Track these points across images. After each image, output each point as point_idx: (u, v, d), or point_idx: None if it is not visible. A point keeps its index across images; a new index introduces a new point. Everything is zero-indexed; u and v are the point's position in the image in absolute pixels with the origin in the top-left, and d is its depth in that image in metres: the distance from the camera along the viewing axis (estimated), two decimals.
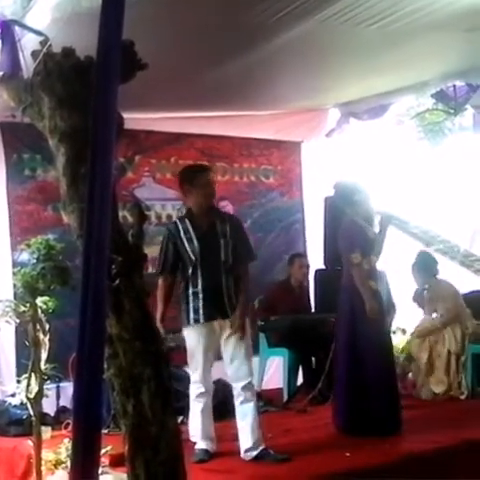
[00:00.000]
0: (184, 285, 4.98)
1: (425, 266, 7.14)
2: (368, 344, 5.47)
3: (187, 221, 5.00)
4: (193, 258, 4.89)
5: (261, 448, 4.86)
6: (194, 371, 4.95)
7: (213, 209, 5.15)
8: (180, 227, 4.98)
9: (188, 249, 4.90)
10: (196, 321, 4.91)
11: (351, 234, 5.61)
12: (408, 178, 12.92)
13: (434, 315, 7.05)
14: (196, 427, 4.95)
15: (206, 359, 4.93)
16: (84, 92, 3.24)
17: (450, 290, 7.08)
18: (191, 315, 4.92)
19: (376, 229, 5.83)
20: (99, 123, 2.65)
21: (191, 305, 4.91)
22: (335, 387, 5.80)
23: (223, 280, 4.94)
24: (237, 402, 4.95)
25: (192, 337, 4.95)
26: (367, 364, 5.46)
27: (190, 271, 4.92)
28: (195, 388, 4.95)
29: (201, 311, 4.90)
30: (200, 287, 4.90)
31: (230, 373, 4.99)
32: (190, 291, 4.93)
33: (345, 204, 5.78)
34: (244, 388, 4.93)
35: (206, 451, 4.90)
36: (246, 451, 4.87)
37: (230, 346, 4.93)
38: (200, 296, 4.90)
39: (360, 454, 4.86)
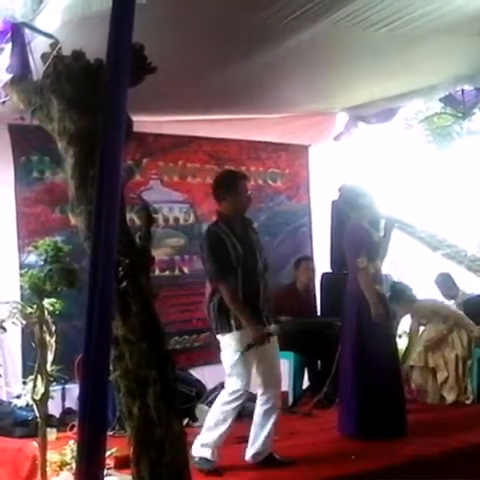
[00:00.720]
0: None
1: (401, 296, 7.07)
2: (374, 348, 5.46)
3: (225, 227, 4.93)
4: (235, 264, 4.82)
5: (268, 452, 4.86)
6: (236, 381, 4.78)
7: (244, 216, 5.15)
8: (221, 232, 4.90)
9: (232, 255, 4.83)
10: (238, 328, 4.78)
11: (357, 238, 5.60)
12: (416, 182, 12.91)
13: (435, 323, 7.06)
14: (214, 437, 4.79)
15: (249, 367, 4.83)
16: (93, 95, 3.25)
17: (437, 303, 7.10)
18: (232, 322, 4.80)
19: (381, 233, 5.83)
20: (108, 126, 2.66)
21: (232, 311, 4.80)
22: (341, 391, 5.78)
23: (260, 288, 4.95)
24: (263, 407, 4.88)
25: (234, 344, 4.80)
26: (373, 368, 5.46)
27: (232, 276, 4.83)
28: (233, 398, 4.79)
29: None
30: (241, 293, 4.82)
31: (262, 379, 4.90)
32: None
33: (350, 207, 5.78)
34: (275, 396, 4.91)
35: (213, 461, 4.78)
36: (254, 455, 4.85)
37: (266, 353, 4.88)
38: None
39: (365, 457, 4.87)
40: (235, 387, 4.79)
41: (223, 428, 4.78)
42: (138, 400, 3.12)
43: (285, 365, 7.09)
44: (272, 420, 4.90)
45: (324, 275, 7.55)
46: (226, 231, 4.89)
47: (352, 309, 5.59)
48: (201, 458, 4.71)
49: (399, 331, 7.26)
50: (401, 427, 5.45)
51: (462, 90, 7.10)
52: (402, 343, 7.21)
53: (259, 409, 4.91)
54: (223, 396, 4.85)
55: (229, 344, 4.82)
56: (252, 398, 5.19)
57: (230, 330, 4.81)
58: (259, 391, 4.92)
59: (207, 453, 4.74)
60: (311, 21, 4.70)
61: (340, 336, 5.92)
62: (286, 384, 6.97)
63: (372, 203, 5.74)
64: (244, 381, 4.79)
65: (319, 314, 7.52)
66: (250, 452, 4.89)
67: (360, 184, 6.18)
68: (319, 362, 7.07)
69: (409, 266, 7.72)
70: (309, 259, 7.68)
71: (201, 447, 4.73)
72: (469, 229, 11.86)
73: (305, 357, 6.96)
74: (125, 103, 2.70)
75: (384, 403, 5.44)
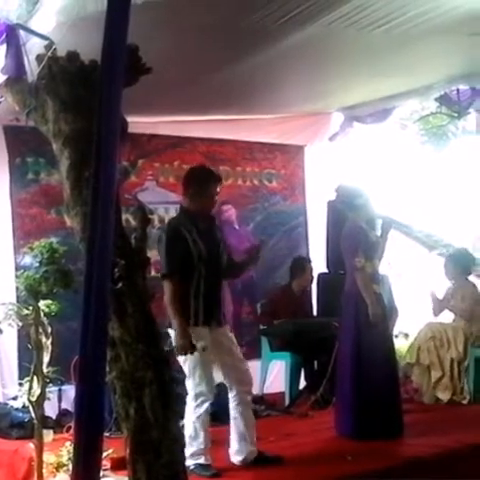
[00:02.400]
0: (183, 286, 4.74)
1: (460, 261, 7.13)
2: (372, 348, 5.47)
3: (188, 222, 4.84)
4: (197, 260, 4.75)
5: (256, 452, 4.83)
6: (200, 384, 4.69)
7: (209, 213, 5.09)
8: (183, 228, 4.80)
9: (193, 251, 4.75)
10: (195, 324, 4.72)
11: (354, 238, 5.60)
12: (411, 182, 12.92)
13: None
14: (200, 445, 4.69)
15: (210, 367, 4.75)
16: (88, 96, 3.26)
17: (472, 291, 7.08)
18: (191, 317, 4.72)
19: (378, 233, 5.83)
20: (103, 127, 2.66)
21: (192, 306, 4.73)
22: (339, 391, 5.77)
23: (221, 285, 4.92)
24: (237, 409, 4.82)
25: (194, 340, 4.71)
26: (371, 368, 5.46)
27: (191, 273, 4.75)
28: (200, 402, 4.70)
29: (200, 315, 4.74)
30: (202, 291, 4.76)
31: (233, 378, 4.83)
32: (191, 293, 4.74)
33: (347, 208, 5.78)
34: (246, 393, 4.86)
35: (210, 465, 4.71)
36: (243, 458, 4.80)
37: (231, 351, 4.85)
38: (200, 300, 4.76)
39: (362, 458, 4.85)
40: (198, 390, 4.69)
41: (203, 433, 4.69)
42: (134, 401, 3.12)
43: (281, 366, 7.12)
44: (251, 417, 4.88)
45: (320, 275, 7.55)
46: (188, 226, 4.80)
47: (350, 309, 5.58)
48: (196, 465, 4.63)
49: (395, 331, 7.28)
50: (397, 427, 5.45)
51: (457, 90, 7.11)
52: (399, 343, 7.22)
53: (234, 411, 4.83)
54: (190, 403, 4.72)
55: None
56: (254, 399, 5.19)
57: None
58: (230, 393, 4.84)
59: (200, 459, 4.67)
60: (306, 22, 4.69)
61: (337, 336, 5.92)
62: (282, 385, 7.00)
63: (369, 203, 5.74)
64: (208, 384, 4.70)
65: (315, 314, 7.52)
66: (239, 454, 4.82)
67: (357, 184, 6.19)
68: (315, 362, 7.07)
69: (405, 266, 7.73)
70: (310, 261, 7.63)
71: (192, 456, 4.60)
72: (465, 228, 11.89)
73: (301, 357, 6.96)
74: (120, 104, 2.70)
75: (381, 403, 5.45)
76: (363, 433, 5.32)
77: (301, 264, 7.44)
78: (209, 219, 5.02)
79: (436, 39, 5.22)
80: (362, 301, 5.46)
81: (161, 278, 4.75)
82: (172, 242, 4.76)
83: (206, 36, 4.77)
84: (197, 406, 4.69)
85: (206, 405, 4.70)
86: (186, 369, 4.72)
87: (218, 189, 5.04)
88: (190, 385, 4.72)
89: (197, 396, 4.70)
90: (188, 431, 4.65)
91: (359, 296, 5.47)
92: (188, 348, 4.57)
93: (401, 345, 7.41)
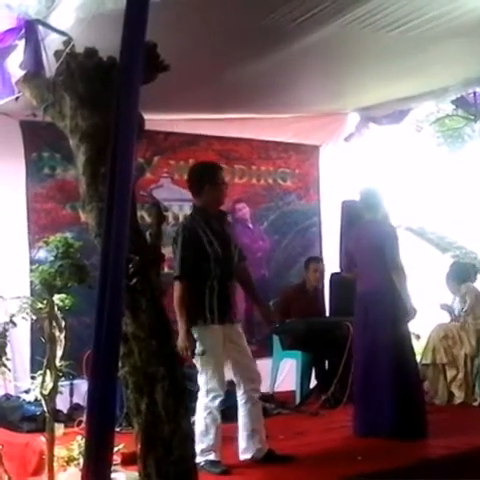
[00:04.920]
0: (198, 285, 4.78)
1: (460, 275, 7.20)
2: (406, 344, 5.59)
3: (202, 221, 4.85)
4: (212, 260, 4.77)
5: (266, 449, 4.84)
6: (211, 380, 4.69)
7: (220, 209, 5.08)
8: (197, 227, 4.82)
9: (208, 250, 4.76)
10: (211, 322, 4.75)
11: (395, 237, 5.65)
12: (426, 184, 12.90)
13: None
14: (210, 441, 4.68)
15: (222, 363, 4.78)
16: (106, 92, 3.27)
17: (475, 292, 7.10)
18: (207, 315, 4.75)
19: None
20: (121, 123, 2.67)
21: (207, 304, 4.75)
22: (378, 390, 5.54)
23: (232, 284, 4.93)
24: (246, 406, 4.82)
25: (206, 338, 4.75)
26: (410, 365, 5.56)
27: (206, 272, 4.77)
28: (212, 398, 4.69)
29: (215, 313, 4.76)
30: (216, 289, 4.78)
31: (242, 375, 4.84)
32: (206, 291, 4.77)
33: (365, 208, 5.78)
34: (254, 391, 4.86)
35: (220, 462, 4.71)
36: (253, 455, 4.81)
37: (241, 349, 4.86)
38: (215, 298, 4.77)
39: (372, 458, 4.85)
40: (210, 386, 4.70)
41: (214, 430, 4.69)
42: (146, 397, 3.13)
43: (293, 364, 7.12)
44: (259, 415, 4.88)
45: (333, 275, 7.55)
46: (203, 226, 4.81)
47: (387, 308, 5.52)
48: (206, 462, 4.63)
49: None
50: (426, 426, 5.47)
51: (474, 92, 7.11)
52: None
53: (242, 409, 4.83)
54: (202, 398, 4.73)
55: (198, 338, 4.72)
56: (264, 398, 5.20)
57: (200, 324, 4.74)
58: (238, 391, 4.84)
59: (210, 455, 4.67)
60: (323, 22, 4.70)
61: (374, 337, 5.64)
62: (293, 383, 7.01)
63: (383, 203, 5.81)
64: (220, 380, 4.71)
65: (327, 314, 7.52)
66: (247, 452, 4.82)
67: (374, 185, 6.23)
68: (327, 362, 7.07)
69: (418, 268, 7.69)
70: (318, 260, 7.64)
71: (202, 453, 4.60)
72: (479, 231, 11.84)
73: (313, 356, 6.97)
74: (137, 101, 2.72)
75: (419, 402, 5.55)
76: (405, 432, 5.30)
77: (307, 263, 7.49)
78: (220, 216, 5.03)
79: (453, 41, 5.22)
80: (399, 298, 5.50)
81: (173, 279, 4.75)
82: (187, 243, 4.76)
83: (223, 35, 4.78)
84: (209, 402, 4.70)
85: (218, 401, 4.70)
86: (198, 365, 4.73)
87: (223, 177, 5.05)
88: (202, 381, 4.73)
89: (209, 392, 4.70)
90: (199, 427, 4.66)
91: (398, 294, 5.50)
92: (188, 350, 4.60)
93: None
